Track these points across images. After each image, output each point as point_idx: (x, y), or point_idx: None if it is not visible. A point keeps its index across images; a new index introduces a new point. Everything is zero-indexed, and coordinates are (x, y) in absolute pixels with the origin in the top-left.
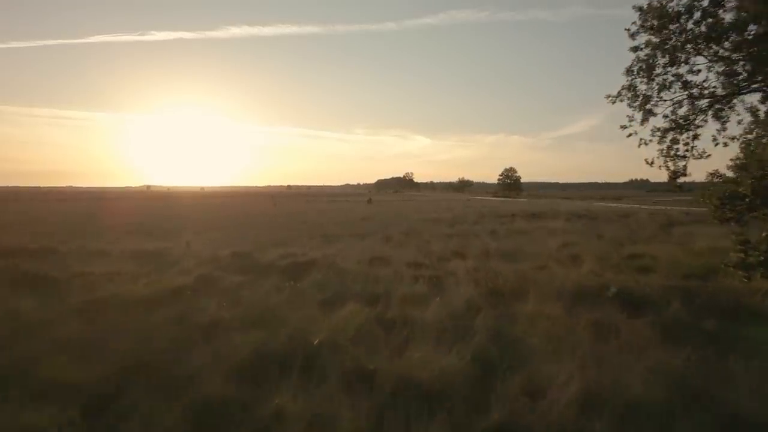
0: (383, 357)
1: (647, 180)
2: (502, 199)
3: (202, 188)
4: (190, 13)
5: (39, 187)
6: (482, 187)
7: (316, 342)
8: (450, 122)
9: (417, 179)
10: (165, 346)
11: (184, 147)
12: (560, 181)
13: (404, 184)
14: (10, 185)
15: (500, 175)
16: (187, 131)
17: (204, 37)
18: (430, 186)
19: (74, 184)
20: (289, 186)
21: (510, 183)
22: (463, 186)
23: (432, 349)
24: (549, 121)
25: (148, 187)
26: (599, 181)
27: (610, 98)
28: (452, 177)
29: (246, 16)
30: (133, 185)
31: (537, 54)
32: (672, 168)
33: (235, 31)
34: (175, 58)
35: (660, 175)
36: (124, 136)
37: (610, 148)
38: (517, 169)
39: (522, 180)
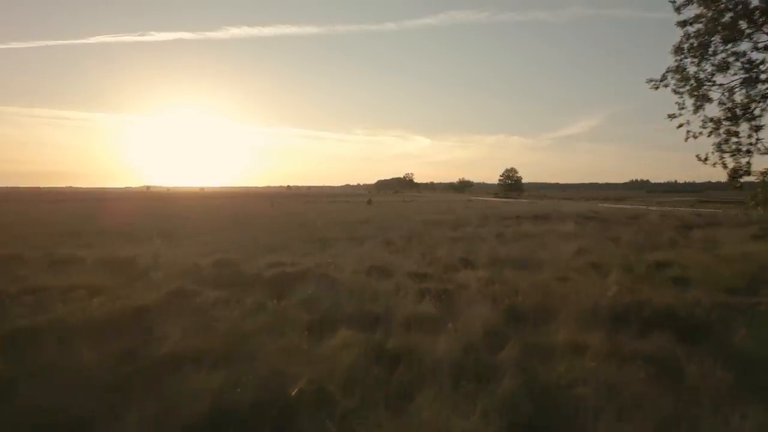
0: (382, 414)
1: (647, 180)
2: (504, 199)
3: (202, 189)
4: (190, 13)
5: (39, 187)
6: (482, 188)
7: (294, 392)
8: (450, 123)
9: (417, 180)
10: (97, 396)
11: (184, 148)
12: (560, 182)
13: (404, 184)
14: (10, 186)
15: (501, 176)
16: (187, 132)
17: (203, 37)
18: (430, 186)
19: (74, 185)
20: (289, 186)
21: (511, 183)
22: (464, 187)
23: (448, 403)
24: (549, 122)
25: (148, 187)
26: (599, 182)
27: (653, 83)
28: (452, 177)
29: (246, 16)
30: (133, 186)
31: (537, 54)
32: (731, 165)
33: (235, 31)
34: (174, 58)
35: (659, 176)
36: (124, 136)
37: (610, 149)
38: (517, 170)
39: (522, 181)
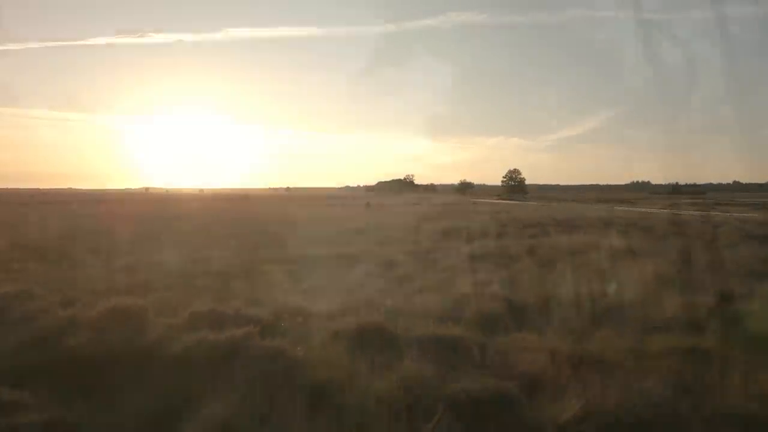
0: None
1: (648, 182)
2: (510, 202)
3: (201, 190)
4: (190, 15)
5: (39, 188)
6: (483, 189)
7: None
8: (450, 124)
9: (417, 181)
10: None
11: (184, 149)
12: (561, 183)
13: (405, 186)
14: (10, 187)
15: (504, 177)
16: (187, 133)
17: (204, 39)
18: (431, 188)
19: (74, 186)
20: (288, 188)
21: (514, 185)
22: (465, 188)
23: None
24: (548, 124)
25: (147, 189)
26: (600, 183)
27: None
28: (453, 179)
29: (246, 17)
30: (133, 187)
31: (536, 56)
32: None
33: (235, 32)
34: (174, 60)
35: (659, 178)
36: (125, 137)
37: (610, 150)
38: (520, 171)
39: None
